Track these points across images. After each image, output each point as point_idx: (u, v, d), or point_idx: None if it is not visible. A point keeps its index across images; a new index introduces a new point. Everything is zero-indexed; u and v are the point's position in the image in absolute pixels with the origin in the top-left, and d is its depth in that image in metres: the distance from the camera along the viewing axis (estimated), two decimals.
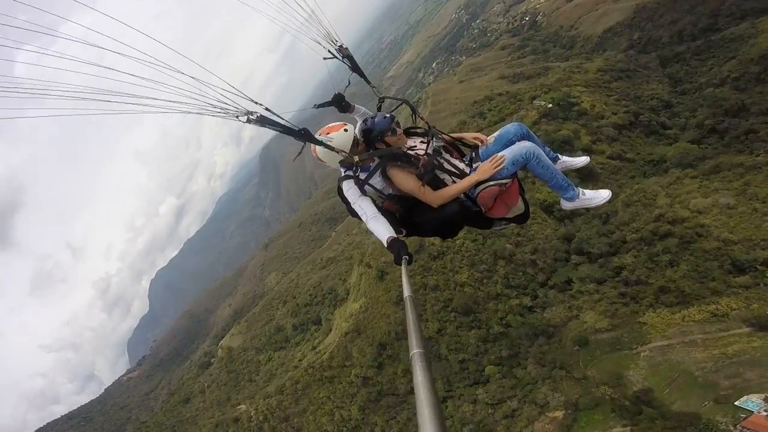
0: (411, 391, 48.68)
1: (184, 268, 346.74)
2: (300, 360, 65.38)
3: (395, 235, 3.67)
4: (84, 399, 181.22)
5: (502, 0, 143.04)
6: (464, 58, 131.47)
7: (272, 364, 74.17)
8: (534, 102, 73.46)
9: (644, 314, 37.09)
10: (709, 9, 71.51)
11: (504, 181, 3.94)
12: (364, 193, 4.01)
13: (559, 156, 4.79)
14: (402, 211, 4.15)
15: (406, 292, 2.38)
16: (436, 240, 44.13)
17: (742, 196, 39.71)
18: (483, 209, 4.12)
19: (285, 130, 3.52)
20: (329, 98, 4.53)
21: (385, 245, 3.65)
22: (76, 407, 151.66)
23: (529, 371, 40.55)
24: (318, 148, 3.90)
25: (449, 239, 4.57)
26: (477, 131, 4.47)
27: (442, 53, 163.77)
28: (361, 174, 4.03)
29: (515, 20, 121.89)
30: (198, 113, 3.15)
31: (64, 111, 2.91)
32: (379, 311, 57.32)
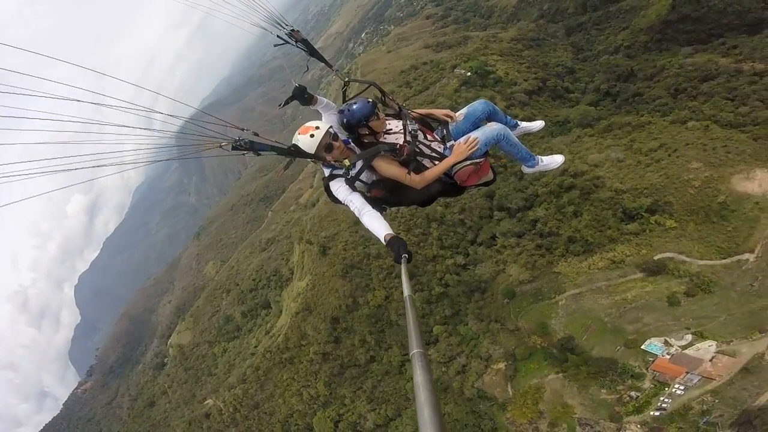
0: (371, 360, 51.38)
1: (109, 269, 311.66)
2: (256, 346, 64.94)
3: (393, 233, 3.73)
4: (45, 417, 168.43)
5: None
6: (392, 27, 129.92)
7: (229, 355, 72.80)
8: (455, 71, 76.17)
9: (558, 264, 42.23)
10: None
11: (478, 160, 4.34)
12: (354, 189, 4.12)
13: (518, 122, 5.29)
14: (387, 194, 4.30)
15: (406, 291, 2.40)
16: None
17: (630, 151, 46.31)
18: (458, 182, 4.46)
19: (277, 150, 3.65)
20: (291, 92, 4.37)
21: (384, 243, 3.69)
22: (41, 426, 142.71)
23: (470, 327, 44.76)
24: (300, 138, 3.95)
25: (426, 206, 4.85)
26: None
27: (371, 23, 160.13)
28: (351, 172, 4.11)
29: None
30: (184, 158, 3.10)
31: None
32: (327, 286, 58.22)
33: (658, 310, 34.76)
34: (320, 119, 4.32)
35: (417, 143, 4.33)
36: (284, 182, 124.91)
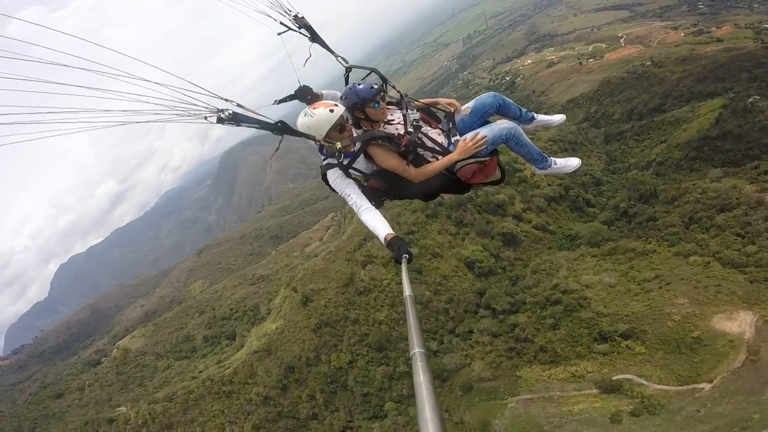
0: (313, 417, 51.03)
1: (103, 258, 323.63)
2: (201, 371, 65.24)
3: (393, 233, 3.74)
4: None
5: (493, 57, 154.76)
6: None
7: (170, 372, 72.45)
8: None
9: (522, 368, 43.07)
10: (664, 89, 76.54)
11: (484, 159, 4.23)
12: (349, 176, 4.14)
13: (535, 115, 5.11)
14: (385, 186, 4.30)
15: (407, 291, 2.42)
16: (366, 276, 49.50)
17: (624, 278, 48.02)
18: (462, 179, 4.37)
19: (261, 125, 3.50)
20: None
21: (384, 243, 3.72)
22: None
23: None
24: (300, 119, 3.97)
25: (430, 200, 4.86)
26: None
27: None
28: (344, 160, 4.12)
29: (497, 78, 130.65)
30: (162, 121, 2.95)
31: None
32: (296, 335, 59.66)
33: (599, 425, 35.12)
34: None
35: (418, 134, 4.29)
36: (298, 227, 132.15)
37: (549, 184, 75.42)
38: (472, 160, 4.21)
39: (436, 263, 62.24)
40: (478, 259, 61.88)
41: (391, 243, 3.66)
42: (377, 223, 3.90)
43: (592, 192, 73.96)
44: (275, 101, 4.47)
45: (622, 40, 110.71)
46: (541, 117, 5.23)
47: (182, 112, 3.02)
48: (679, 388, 36.40)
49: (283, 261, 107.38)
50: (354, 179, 4.20)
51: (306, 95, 4.42)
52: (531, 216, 69.78)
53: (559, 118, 5.37)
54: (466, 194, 5.21)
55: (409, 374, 50.20)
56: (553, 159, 4.87)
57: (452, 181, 4.40)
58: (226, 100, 3.33)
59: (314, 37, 4.48)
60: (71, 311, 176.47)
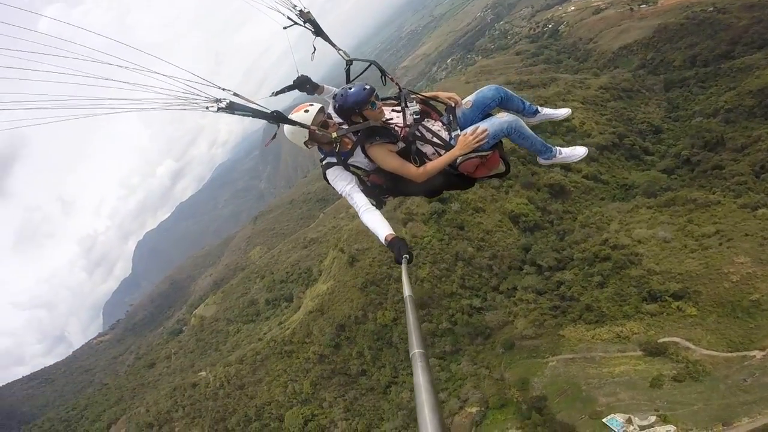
0: (362, 373, 55.17)
1: (173, 232, 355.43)
2: (265, 333, 71.74)
3: (394, 233, 3.72)
4: (50, 361, 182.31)
5: (531, 4, 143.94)
6: (480, 57, 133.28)
7: (240, 336, 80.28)
8: None
9: (566, 327, 42.77)
10: (731, 35, 71.77)
11: (485, 153, 4.15)
12: (347, 168, 4.12)
13: (539, 108, 4.91)
14: (387, 182, 4.25)
15: (407, 291, 2.44)
16: (407, 234, 50.39)
17: (681, 232, 44.82)
18: (465, 173, 4.31)
19: (257, 114, 3.52)
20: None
21: (384, 244, 3.70)
22: (39, 369, 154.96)
23: (462, 367, 46.66)
24: (286, 127, 3.95)
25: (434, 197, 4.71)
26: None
27: (459, 50, 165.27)
28: (343, 156, 4.12)
29: (538, 26, 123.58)
30: (165, 109, 3.09)
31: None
32: (345, 295, 63.26)
33: (638, 388, 34.82)
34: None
35: (418, 126, 4.24)
36: None
37: (601, 133, 70.81)
38: (473, 155, 4.14)
39: (478, 218, 61.53)
40: (523, 213, 60.34)
41: (391, 243, 3.66)
42: (378, 224, 3.89)
43: (650, 140, 68.63)
44: (273, 93, 4.50)
45: None
46: (545, 110, 5.04)
47: (183, 102, 3.16)
48: (728, 354, 34.82)
49: (330, 223, 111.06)
50: (354, 174, 4.20)
51: (305, 85, 4.41)
52: (580, 165, 65.78)
53: (564, 111, 5.23)
54: (470, 188, 4.90)
55: (452, 331, 52.09)
56: (558, 148, 4.75)
57: (455, 176, 4.34)
58: (224, 89, 3.40)
59: (318, 32, 4.50)
60: (152, 285, 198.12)
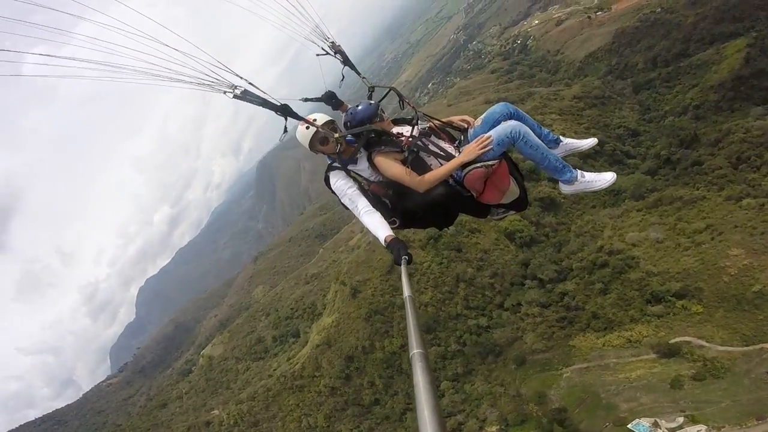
0: (375, 402, 53.93)
1: (174, 276, 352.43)
2: (275, 369, 70.45)
3: (393, 234, 3.72)
4: (60, 404, 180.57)
5: (498, 22, 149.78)
6: (458, 79, 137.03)
7: (249, 373, 79.04)
8: None
9: (575, 338, 42.42)
10: (683, 34, 74.68)
11: (490, 162, 3.88)
12: (348, 174, 4.14)
13: (561, 138, 4.58)
14: (391, 196, 4.17)
15: (406, 292, 2.44)
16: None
17: (672, 231, 45.41)
18: (474, 194, 4.08)
19: (266, 104, 3.66)
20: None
21: (384, 245, 3.69)
22: (51, 411, 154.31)
23: (476, 387, 45.78)
24: (298, 129, 4.14)
25: (445, 228, 4.58)
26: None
27: (438, 74, 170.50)
28: (348, 164, 4.15)
29: (507, 43, 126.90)
30: (187, 87, 3.34)
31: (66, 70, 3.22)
32: (350, 326, 62.60)
33: (659, 391, 34.33)
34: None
35: (423, 139, 4.18)
36: (339, 223, 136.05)
37: None
38: (478, 164, 3.89)
39: (475, 239, 61.92)
40: (517, 229, 60.72)
41: (390, 244, 3.64)
42: (377, 225, 3.87)
43: (630, 143, 70.00)
44: (303, 98, 4.63)
45: None
46: (568, 140, 4.60)
47: (207, 84, 3.46)
48: (745, 348, 34.55)
49: (330, 257, 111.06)
50: (358, 185, 4.18)
51: (330, 99, 4.65)
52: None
53: (590, 141, 4.73)
54: (486, 218, 4.59)
55: (462, 353, 51.33)
56: (579, 171, 4.22)
57: (466, 198, 4.11)
58: (241, 77, 3.63)
59: (346, 61, 4.84)
60: (157, 328, 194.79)
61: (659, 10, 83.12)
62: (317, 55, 4.78)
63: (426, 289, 59.36)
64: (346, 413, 53.28)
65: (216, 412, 65.99)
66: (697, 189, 50.61)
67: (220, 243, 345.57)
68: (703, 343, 36.26)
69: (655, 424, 32.11)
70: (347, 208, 4.17)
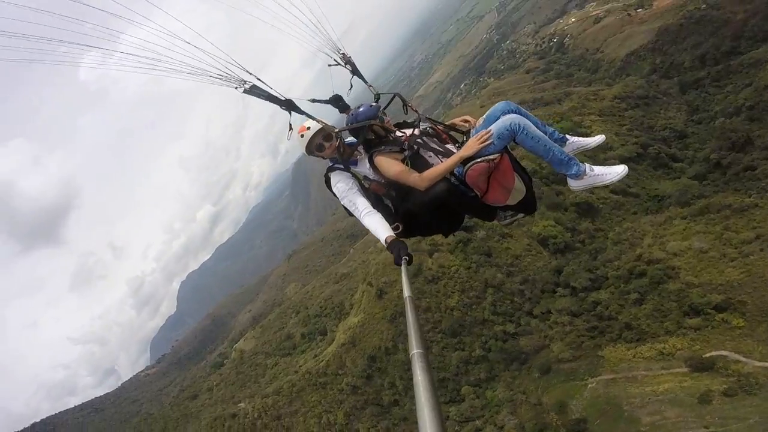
0: (394, 403, 54.10)
1: (214, 272, 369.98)
2: (301, 366, 72.30)
3: (394, 235, 3.72)
4: (100, 392, 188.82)
5: (533, 21, 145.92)
6: (492, 79, 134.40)
7: (277, 369, 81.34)
8: None
9: (605, 348, 40.52)
10: (732, 31, 70.03)
11: (491, 156, 3.79)
12: (349, 174, 4.15)
13: (567, 136, 4.48)
14: (393, 197, 4.13)
15: (406, 292, 2.45)
16: (433, 264, 51.05)
17: (718, 240, 42.21)
18: (478, 194, 3.98)
19: (271, 98, 3.86)
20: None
21: (384, 245, 3.69)
22: (90, 399, 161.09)
23: (497, 394, 44.85)
24: (295, 133, 4.21)
25: (453, 234, 4.47)
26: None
27: (471, 74, 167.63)
28: (348, 164, 4.20)
29: (543, 41, 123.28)
30: (204, 81, 3.64)
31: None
32: (375, 327, 63.20)
33: (685, 405, 32.24)
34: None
35: (422, 137, 4.18)
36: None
37: (623, 144, 68.86)
38: (479, 159, 3.79)
39: (505, 244, 60.58)
40: (551, 235, 58.66)
41: (391, 245, 3.63)
42: (378, 226, 3.84)
43: (676, 146, 65.88)
44: (311, 99, 4.69)
45: None
46: (575, 139, 4.53)
47: (219, 78, 3.70)
48: None
49: (360, 258, 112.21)
50: (356, 179, 4.19)
51: (338, 102, 4.68)
52: None
53: (598, 138, 4.69)
54: (492, 221, 4.54)
55: (486, 358, 50.44)
56: (587, 165, 4.06)
57: (470, 198, 4.01)
58: (250, 73, 3.81)
59: (354, 71, 4.97)
60: (196, 321, 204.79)
61: (704, 6, 78.33)
62: (329, 65, 4.95)
63: (453, 293, 58.75)
64: (365, 412, 53.86)
65: (242, 404, 68.12)
66: (749, 196, 46.77)
67: (256, 241, 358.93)
68: (741, 357, 33.81)
69: None
70: (348, 210, 4.15)
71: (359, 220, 4.01)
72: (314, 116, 4.21)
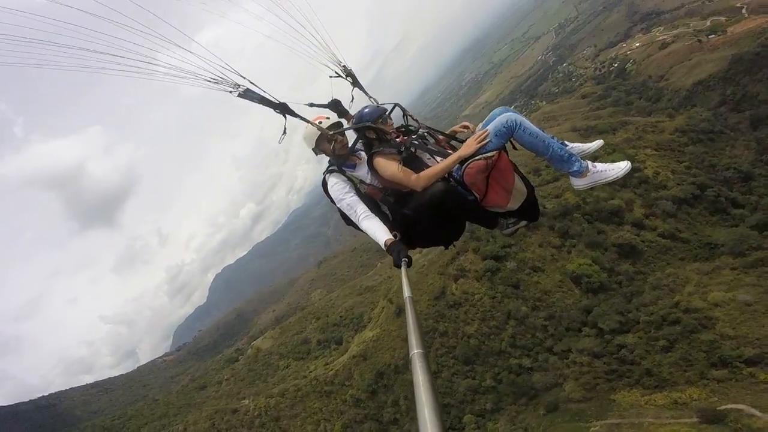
0: (394, 422, 54.44)
1: (247, 268, 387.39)
2: (311, 371, 74.44)
3: (393, 237, 3.76)
4: (116, 373, 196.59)
5: (594, 44, 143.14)
6: (544, 103, 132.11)
7: (288, 371, 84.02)
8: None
9: (620, 392, 38.88)
10: None
11: (489, 154, 3.82)
12: (347, 178, 4.21)
13: (566, 143, 4.43)
14: (391, 202, 4.18)
15: (406, 293, 2.49)
16: (457, 290, 52.91)
17: (767, 294, 39.26)
18: (478, 196, 4.00)
19: (265, 102, 3.97)
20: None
21: (384, 248, 3.73)
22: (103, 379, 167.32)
23: (498, 426, 44.09)
24: (304, 131, 4.33)
25: (453, 245, 4.36)
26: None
27: (522, 96, 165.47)
28: (347, 169, 4.28)
29: (603, 66, 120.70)
30: (197, 86, 3.68)
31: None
32: (388, 344, 64.06)
33: None
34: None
35: (419, 139, 4.30)
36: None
37: (679, 184, 65.40)
38: (477, 157, 3.83)
39: (536, 277, 59.47)
40: (586, 274, 56.82)
41: (390, 248, 3.66)
42: (377, 229, 3.88)
43: (739, 189, 61.69)
44: (310, 103, 4.77)
45: (744, 10, 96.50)
46: (574, 145, 4.55)
47: (213, 82, 3.77)
48: None
49: (386, 272, 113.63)
50: (352, 182, 4.21)
51: (337, 107, 4.91)
52: (656, 222, 60.96)
53: (596, 143, 4.71)
54: (493, 229, 4.59)
55: (495, 389, 49.70)
56: (588, 162, 4.08)
57: (470, 202, 4.04)
58: (243, 77, 3.86)
59: (355, 83, 5.13)
60: (222, 314, 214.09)
61: None
62: (330, 77, 5.06)
63: (473, 320, 58.34)
64: (363, 426, 54.49)
65: (246, 401, 70.62)
66: None
67: (292, 243, 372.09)
68: (756, 412, 31.15)
69: None
70: (345, 214, 4.17)
71: (357, 224, 4.04)
72: (309, 119, 4.28)
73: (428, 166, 4.06)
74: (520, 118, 3.93)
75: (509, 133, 3.88)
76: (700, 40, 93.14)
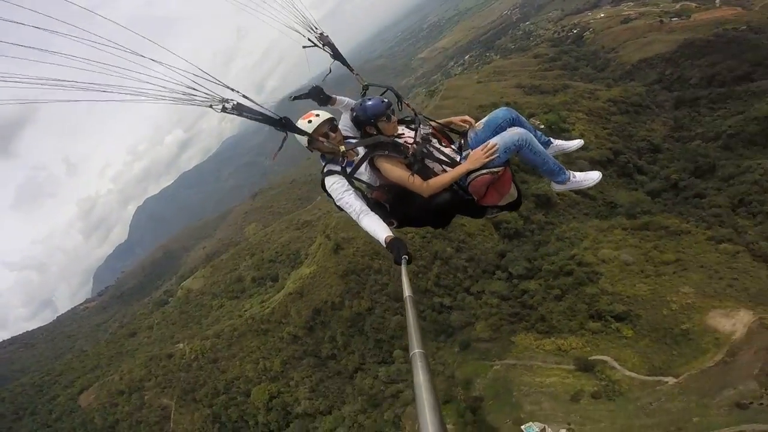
0: (332, 357, 59.87)
1: (173, 200, 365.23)
2: (246, 311, 77.04)
3: (393, 234, 3.82)
4: (33, 326, 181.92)
5: (561, 7, 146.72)
6: (497, 57, 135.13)
7: (222, 311, 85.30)
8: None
9: (518, 334, 47.12)
10: (757, 57, 73.10)
11: (496, 169, 4.09)
12: (351, 184, 4.17)
13: (551, 140, 4.97)
14: (392, 200, 4.32)
15: (407, 292, 2.52)
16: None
17: (644, 257, 48.67)
18: (475, 198, 4.27)
19: (264, 119, 3.64)
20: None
21: (384, 245, 3.78)
22: (21, 333, 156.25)
23: None
24: (299, 123, 4.16)
25: (441, 228, 4.73)
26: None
27: (478, 47, 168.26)
28: (347, 167, 4.20)
29: (563, 30, 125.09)
30: (170, 102, 3.15)
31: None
32: (325, 281, 67.72)
33: (559, 401, 38.64)
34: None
35: (426, 145, 4.37)
36: None
37: (598, 147, 73.26)
38: (484, 171, 4.10)
39: (462, 220, 65.12)
40: (505, 219, 63.40)
41: (390, 245, 3.72)
42: (377, 227, 3.95)
43: (647, 158, 70.81)
44: (291, 98, 4.68)
45: (717, 1, 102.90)
46: (558, 142, 5.10)
47: (189, 98, 3.27)
48: (646, 378, 38.10)
49: (325, 207, 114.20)
50: (358, 189, 4.23)
51: (319, 95, 4.69)
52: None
53: (577, 143, 5.27)
54: (480, 218, 4.91)
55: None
56: (571, 172, 4.68)
57: (465, 201, 4.32)
58: (233, 90, 3.48)
59: (336, 56, 4.87)
60: (147, 252, 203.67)
61: (744, 27, 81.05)
62: (303, 47, 4.79)
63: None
64: (302, 362, 59.09)
65: (181, 345, 71.24)
66: (687, 222, 53.10)
67: (224, 173, 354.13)
68: (616, 365, 39.71)
69: (543, 431, 36.51)
70: (343, 211, 4.22)
71: (356, 221, 4.10)
72: (308, 131, 4.14)
73: (432, 171, 4.31)
74: (530, 137, 4.21)
75: (517, 150, 4.19)
76: (662, 21, 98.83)
